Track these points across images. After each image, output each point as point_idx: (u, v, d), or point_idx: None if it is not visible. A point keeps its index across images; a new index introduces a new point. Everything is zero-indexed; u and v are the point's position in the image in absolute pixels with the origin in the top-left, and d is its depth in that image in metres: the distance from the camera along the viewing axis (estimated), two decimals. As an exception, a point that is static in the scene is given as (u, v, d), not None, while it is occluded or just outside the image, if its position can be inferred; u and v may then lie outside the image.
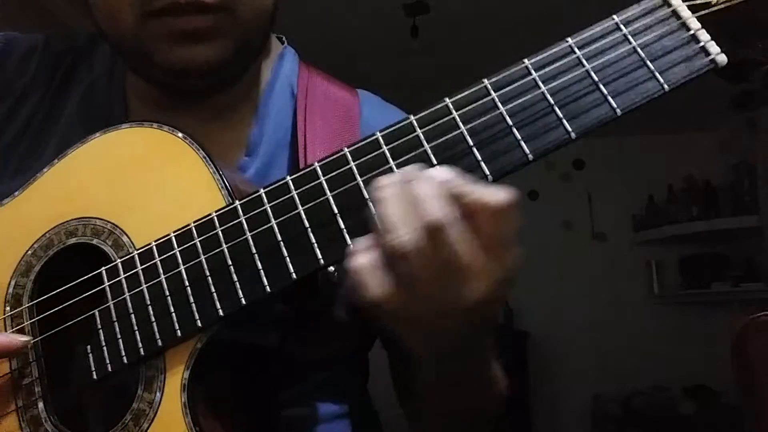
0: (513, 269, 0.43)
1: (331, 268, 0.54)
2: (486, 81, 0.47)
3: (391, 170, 0.47)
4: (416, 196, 0.42)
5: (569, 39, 0.47)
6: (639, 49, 0.46)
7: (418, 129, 0.47)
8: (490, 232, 0.42)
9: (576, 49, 0.46)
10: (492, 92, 0.46)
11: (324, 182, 0.48)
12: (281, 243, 0.48)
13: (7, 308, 0.55)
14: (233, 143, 0.66)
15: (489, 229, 0.42)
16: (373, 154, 0.48)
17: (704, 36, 0.46)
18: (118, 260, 0.54)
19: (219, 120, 0.59)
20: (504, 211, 0.41)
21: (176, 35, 0.57)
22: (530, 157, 0.46)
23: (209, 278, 0.50)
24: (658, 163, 3.99)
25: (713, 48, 0.45)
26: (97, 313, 0.53)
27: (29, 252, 0.56)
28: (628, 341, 3.83)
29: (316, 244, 0.47)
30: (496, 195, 0.41)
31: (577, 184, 4.16)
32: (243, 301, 0.49)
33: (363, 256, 0.43)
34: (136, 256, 0.53)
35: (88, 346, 0.53)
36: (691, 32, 0.46)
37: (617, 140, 3.98)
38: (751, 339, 0.80)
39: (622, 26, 0.47)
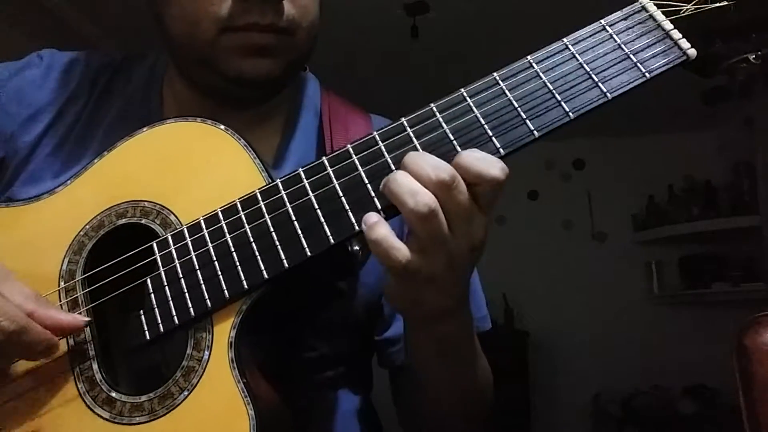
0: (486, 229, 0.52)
1: (357, 247, 0.60)
2: (495, 74, 0.54)
3: (415, 148, 0.53)
4: (422, 163, 0.49)
5: (564, 39, 0.55)
6: (623, 45, 0.54)
7: (438, 114, 0.54)
8: (485, 192, 0.50)
9: (570, 46, 0.54)
10: (501, 82, 0.54)
11: (356, 160, 0.54)
12: (318, 211, 0.54)
13: (62, 282, 0.60)
14: (262, 154, 0.70)
15: (485, 190, 0.50)
16: (399, 136, 0.54)
17: (677, 34, 0.54)
18: (168, 234, 0.57)
19: (250, 132, 0.63)
20: (497, 179, 0.49)
21: (249, 48, 0.65)
22: (536, 134, 0.52)
23: (253, 244, 0.55)
24: (658, 163, 3.99)
25: (685, 43, 0.54)
26: (148, 280, 0.56)
27: (81, 232, 0.61)
28: (628, 341, 3.83)
29: (350, 212, 0.53)
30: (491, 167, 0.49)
31: (577, 184, 4.16)
32: (285, 264, 0.53)
33: (383, 226, 0.49)
34: (185, 229, 0.57)
35: (141, 310, 0.56)
36: (666, 31, 0.54)
37: (617, 140, 3.98)
38: (751, 339, 0.80)
39: (607, 27, 0.55)
